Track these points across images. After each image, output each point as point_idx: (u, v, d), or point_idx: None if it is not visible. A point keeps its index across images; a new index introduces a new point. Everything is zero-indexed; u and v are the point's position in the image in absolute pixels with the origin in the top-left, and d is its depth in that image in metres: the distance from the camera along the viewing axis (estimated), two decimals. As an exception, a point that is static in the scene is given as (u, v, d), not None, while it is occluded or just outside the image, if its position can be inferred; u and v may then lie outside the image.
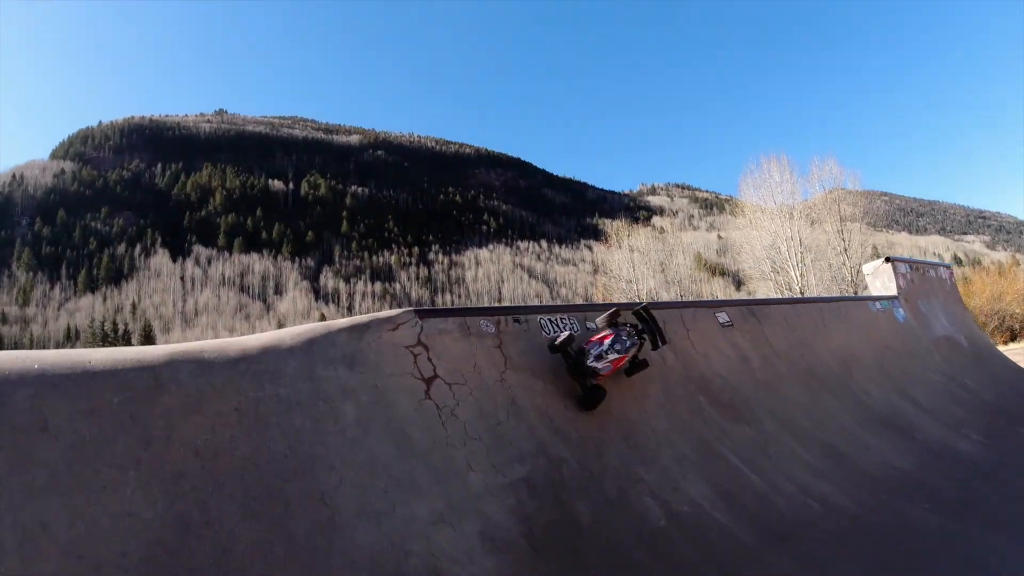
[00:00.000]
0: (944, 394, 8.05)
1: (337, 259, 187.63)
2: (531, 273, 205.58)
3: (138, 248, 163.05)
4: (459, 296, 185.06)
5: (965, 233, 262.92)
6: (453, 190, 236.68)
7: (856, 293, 33.72)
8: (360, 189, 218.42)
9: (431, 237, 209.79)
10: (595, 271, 57.75)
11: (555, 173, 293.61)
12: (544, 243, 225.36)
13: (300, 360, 3.36)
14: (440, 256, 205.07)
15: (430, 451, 3.34)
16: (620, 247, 52.00)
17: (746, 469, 4.32)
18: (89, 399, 2.57)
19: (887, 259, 9.58)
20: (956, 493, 5.35)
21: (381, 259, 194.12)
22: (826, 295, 35.41)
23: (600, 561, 3.18)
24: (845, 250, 47.69)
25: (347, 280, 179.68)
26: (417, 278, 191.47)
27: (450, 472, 3.31)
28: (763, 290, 47.13)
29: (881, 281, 9.50)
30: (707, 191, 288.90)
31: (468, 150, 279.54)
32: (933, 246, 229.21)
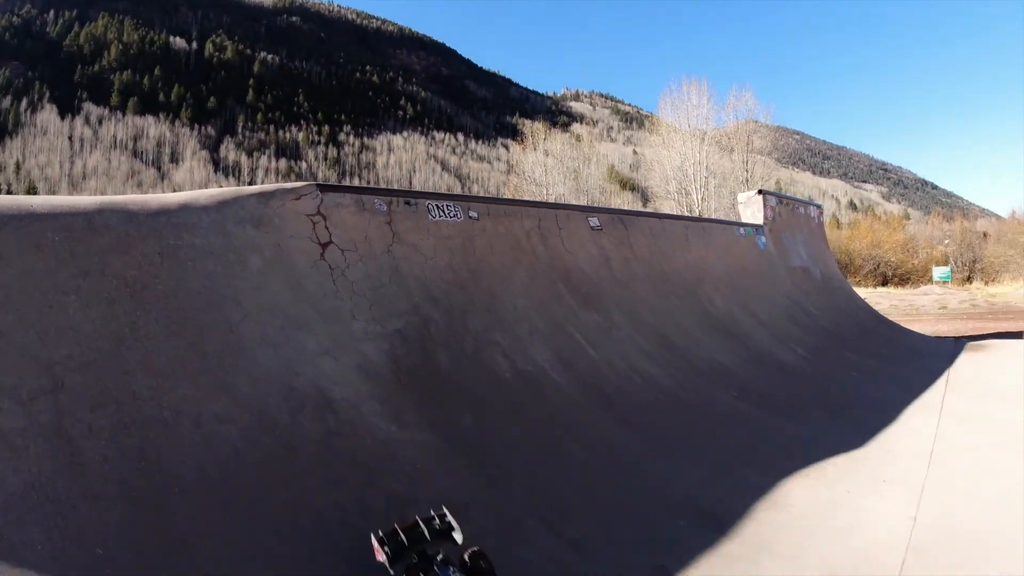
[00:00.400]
0: (784, 315, 9.25)
1: (240, 130, 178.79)
2: (444, 166, 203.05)
3: (24, 102, 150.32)
4: (368, 181, 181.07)
5: (865, 181, 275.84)
6: (371, 69, 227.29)
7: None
8: (270, 57, 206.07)
9: (343, 117, 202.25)
10: (509, 171, 57.82)
11: (480, 65, 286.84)
12: (461, 136, 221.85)
13: (213, 217, 3.92)
14: (351, 138, 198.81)
15: (321, 300, 4.04)
16: (535, 149, 52.25)
17: (587, 345, 5.22)
18: (35, 236, 3.09)
19: (759, 191, 10.60)
20: (764, 388, 6.47)
21: (288, 135, 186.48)
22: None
23: (453, 397, 4.02)
24: (747, 180, 49.76)
25: (249, 154, 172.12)
26: (325, 158, 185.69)
27: (336, 318, 4.04)
28: (666, 208, 48.90)
29: (751, 210, 10.52)
30: (630, 104, 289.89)
31: (391, 28, 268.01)
32: (833, 189, 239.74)
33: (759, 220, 10.38)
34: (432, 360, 4.24)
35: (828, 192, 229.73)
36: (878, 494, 4.24)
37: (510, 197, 53.01)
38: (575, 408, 4.51)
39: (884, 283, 42.40)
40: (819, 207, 13.70)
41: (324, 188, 4.55)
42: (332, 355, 3.78)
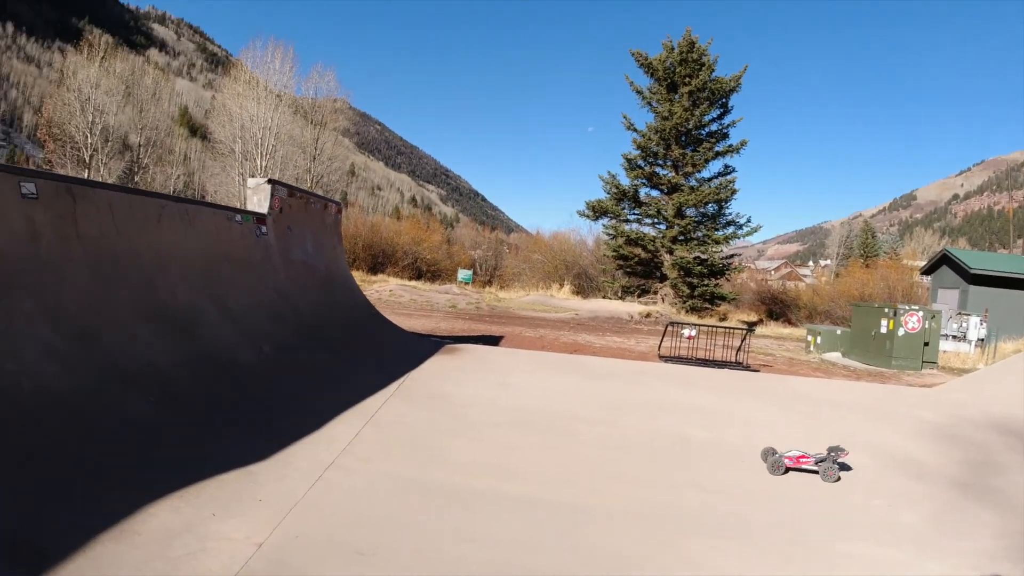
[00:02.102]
0: (266, 310, 9.25)
1: None
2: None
3: None
4: None
5: (429, 181, 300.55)
6: None
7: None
8: None
9: None
10: (60, 83, 49.78)
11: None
12: (10, 27, 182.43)
13: None
14: None
15: None
16: (93, 63, 45.73)
17: None
18: None
19: (269, 180, 10.52)
20: (198, 392, 6.31)
21: None
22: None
23: None
24: (315, 157, 50.25)
25: None
26: None
27: None
28: (232, 168, 46.75)
29: (259, 198, 10.38)
30: (220, 46, 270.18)
31: None
32: (401, 182, 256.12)
33: (264, 209, 10.29)
34: None
35: (396, 184, 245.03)
36: (243, 515, 4.32)
37: (49, 113, 45.27)
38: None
39: (419, 277, 46.45)
40: (337, 204, 14.22)
41: None
42: None
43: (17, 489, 3.81)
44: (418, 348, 12.06)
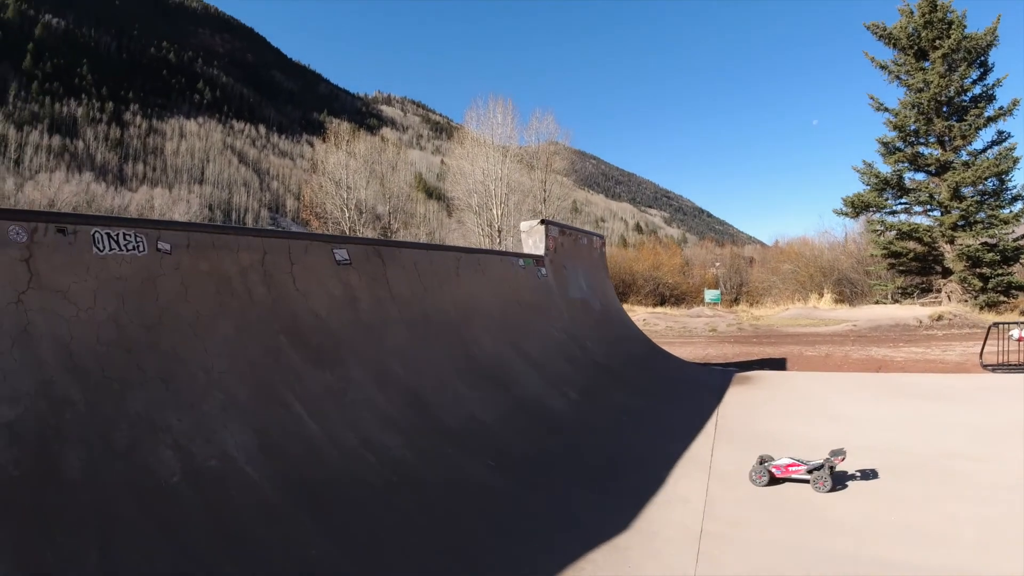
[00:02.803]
0: (559, 352, 8.79)
1: (12, 100, 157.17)
2: (242, 158, 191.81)
3: None
4: (154, 168, 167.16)
5: (650, 206, 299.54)
6: (168, 45, 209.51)
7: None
8: (55, 20, 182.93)
9: (131, 95, 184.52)
10: (313, 170, 56.64)
11: (289, 56, 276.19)
12: (263, 129, 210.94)
13: None
14: (139, 119, 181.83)
15: None
16: (340, 149, 51.21)
17: (308, 418, 4.11)
18: None
19: (542, 221, 10.18)
20: (526, 449, 5.82)
21: (66, 109, 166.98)
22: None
23: (78, 522, 2.75)
24: (545, 199, 51.52)
25: (19, 127, 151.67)
26: (106, 139, 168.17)
27: None
28: (468, 222, 49.33)
29: (533, 240, 10.07)
30: (441, 114, 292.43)
31: (195, 3, 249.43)
32: (622, 211, 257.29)
33: (540, 251, 9.95)
34: (54, 466, 2.89)
35: (618, 214, 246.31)
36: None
37: (309, 196, 51.03)
38: (268, 518, 3.35)
39: (662, 303, 45.29)
40: (601, 237, 13.67)
41: None
42: None
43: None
44: (708, 379, 11.07)
